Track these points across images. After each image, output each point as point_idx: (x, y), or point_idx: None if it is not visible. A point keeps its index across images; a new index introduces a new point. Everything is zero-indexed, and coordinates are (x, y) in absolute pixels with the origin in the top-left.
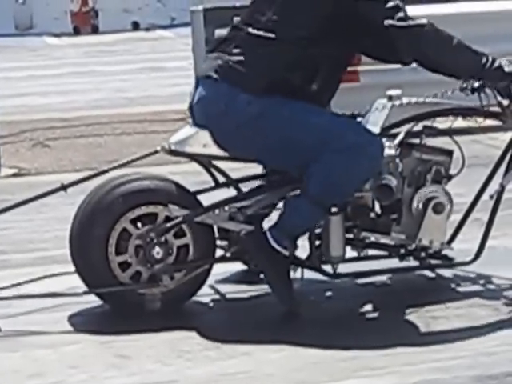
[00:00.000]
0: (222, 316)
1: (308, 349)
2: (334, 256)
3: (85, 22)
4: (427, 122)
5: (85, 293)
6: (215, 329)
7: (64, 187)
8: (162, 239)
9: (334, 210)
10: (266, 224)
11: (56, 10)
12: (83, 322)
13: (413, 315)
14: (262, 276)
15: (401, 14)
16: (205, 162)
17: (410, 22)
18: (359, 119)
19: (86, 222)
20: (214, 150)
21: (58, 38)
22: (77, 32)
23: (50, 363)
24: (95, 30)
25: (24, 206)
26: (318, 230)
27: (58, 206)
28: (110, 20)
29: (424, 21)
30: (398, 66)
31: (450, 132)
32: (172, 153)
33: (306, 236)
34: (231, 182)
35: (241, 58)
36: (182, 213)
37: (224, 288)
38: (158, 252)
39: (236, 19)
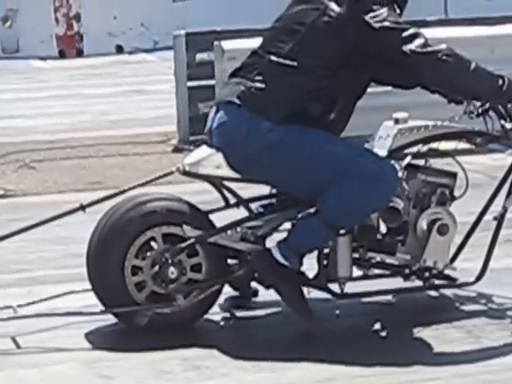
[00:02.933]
0: (205, 337)
1: (307, 366)
2: (341, 276)
3: (70, 46)
4: (433, 145)
5: (102, 312)
6: (196, 349)
7: (83, 207)
8: (177, 259)
9: (342, 231)
10: (269, 243)
11: (42, 33)
12: (73, 342)
13: (418, 334)
14: (253, 300)
15: (421, 40)
16: (216, 182)
17: (430, 48)
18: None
19: (103, 243)
20: (227, 172)
21: (43, 61)
22: (62, 55)
23: (34, 383)
24: (80, 54)
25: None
26: (325, 250)
27: (43, 227)
28: (95, 43)
29: (443, 46)
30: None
31: (453, 154)
32: (186, 174)
33: (314, 255)
34: (242, 202)
35: (263, 85)
36: (195, 233)
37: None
38: (172, 272)
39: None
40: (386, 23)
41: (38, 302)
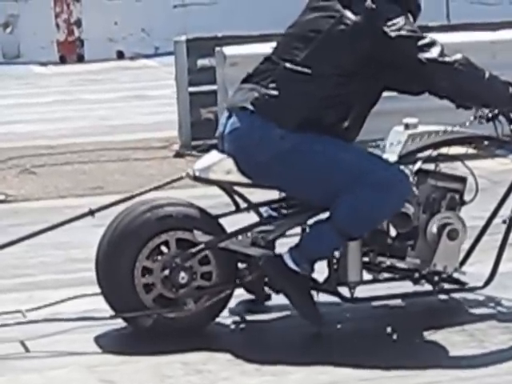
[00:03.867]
0: (207, 341)
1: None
2: (351, 280)
3: (71, 51)
4: (443, 150)
5: (111, 317)
6: (198, 353)
7: (92, 212)
8: (187, 264)
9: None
10: (279, 248)
11: (43, 39)
12: (75, 346)
13: (421, 338)
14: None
15: (438, 49)
16: (227, 187)
17: (447, 58)
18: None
19: (113, 247)
20: (238, 177)
21: (44, 66)
22: (63, 61)
23: None
24: (81, 59)
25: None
26: (336, 254)
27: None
28: (96, 49)
29: (459, 55)
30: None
31: (463, 159)
32: (196, 179)
33: (324, 259)
34: (252, 207)
35: (277, 92)
36: (206, 238)
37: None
38: (182, 277)
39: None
40: (403, 32)
41: (46, 306)
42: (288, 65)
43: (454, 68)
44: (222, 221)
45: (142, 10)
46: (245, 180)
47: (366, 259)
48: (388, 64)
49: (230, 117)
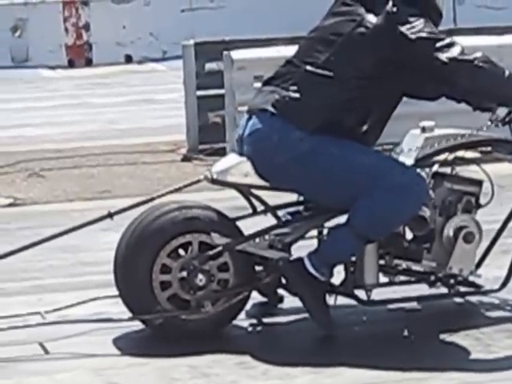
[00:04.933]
0: (214, 344)
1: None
2: (368, 283)
3: (79, 55)
4: (459, 153)
5: (129, 319)
6: (205, 356)
7: (111, 215)
8: (205, 267)
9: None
10: (294, 250)
11: (51, 43)
12: (82, 349)
13: (443, 340)
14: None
15: (458, 48)
16: (245, 190)
17: (467, 56)
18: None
19: (131, 250)
20: (255, 180)
21: (53, 70)
22: (71, 65)
23: None
24: (89, 63)
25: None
26: (352, 257)
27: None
28: (104, 53)
29: (479, 53)
30: None
31: (479, 162)
32: (214, 182)
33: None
34: (269, 209)
35: (298, 95)
36: (223, 241)
37: None
38: (200, 279)
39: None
40: (423, 34)
41: (65, 308)
42: (309, 67)
43: (475, 66)
44: (239, 223)
45: (150, 14)
46: (262, 183)
47: (382, 262)
48: (408, 67)
49: (249, 119)
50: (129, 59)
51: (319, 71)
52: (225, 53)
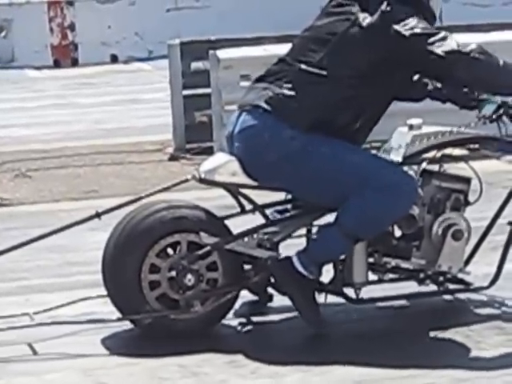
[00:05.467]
0: (203, 343)
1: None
2: (357, 281)
3: (65, 55)
4: (447, 151)
5: (118, 319)
6: (194, 356)
7: (98, 215)
8: (194, 267)
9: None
10: (282, 249)
11: (37, 43)
12: (71, 349)
13: (433, 338)
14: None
15: (453, 42)
16: (232, 189)
17: (463, 49)
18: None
19: (120, 250)
20: (244, 179)
21: (38, 70)
22: (57, 65)
23: None
24: (75, 63)
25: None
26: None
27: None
28: (90, 53)
29: (474, 45)
30: None
31: (467, 159)
32: (202, 181)
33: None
34: (257, 208)
35: (292, 93)
36: (212, 240)
37: None
38: (189, 279)
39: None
40: (417, 30)
41: (54, 308)
42: (303, 66)
43: (471, 57)
44: (227, 223)
45: (136, 13)
46: (250, 182)
47: (371, 260)
48: (404, 64)
49: (240, 115)
50: (114, 59)
51: (313, 70)
52: (211, 52)
